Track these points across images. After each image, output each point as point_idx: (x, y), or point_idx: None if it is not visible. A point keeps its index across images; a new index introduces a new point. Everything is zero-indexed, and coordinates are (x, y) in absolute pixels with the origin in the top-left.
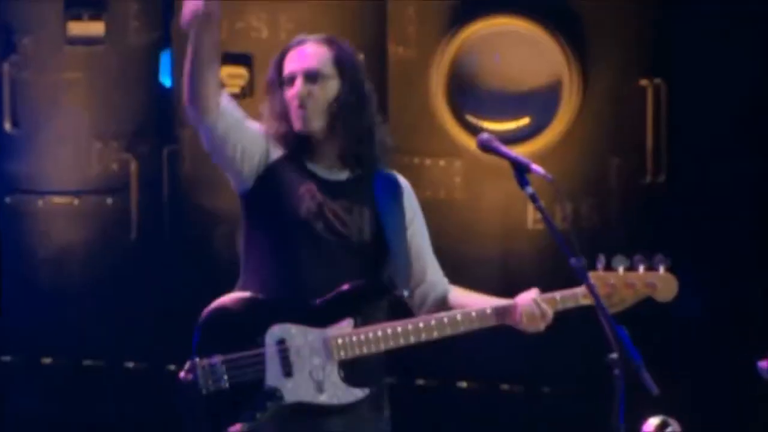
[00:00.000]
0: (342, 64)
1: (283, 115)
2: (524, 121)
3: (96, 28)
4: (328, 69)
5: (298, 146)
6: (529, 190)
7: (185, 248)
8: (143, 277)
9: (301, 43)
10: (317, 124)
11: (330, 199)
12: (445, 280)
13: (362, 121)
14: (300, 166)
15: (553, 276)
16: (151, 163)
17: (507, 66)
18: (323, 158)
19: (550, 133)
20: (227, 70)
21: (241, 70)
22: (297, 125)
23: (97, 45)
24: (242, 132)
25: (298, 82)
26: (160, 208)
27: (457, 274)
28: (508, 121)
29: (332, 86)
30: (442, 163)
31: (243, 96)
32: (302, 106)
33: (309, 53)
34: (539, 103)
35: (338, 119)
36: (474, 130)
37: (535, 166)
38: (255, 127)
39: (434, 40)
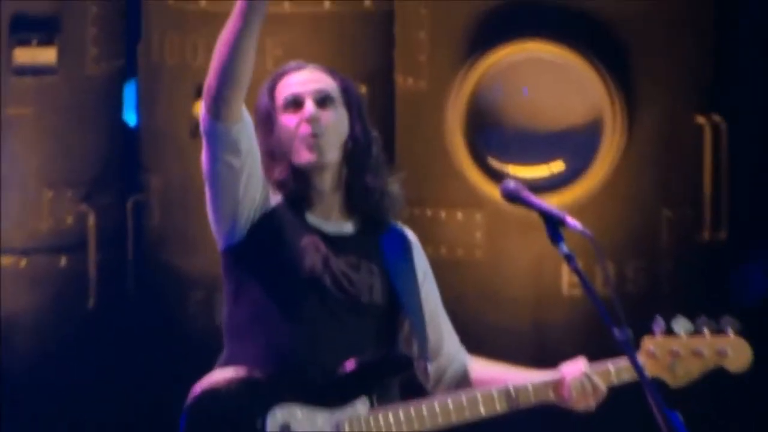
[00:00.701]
0: (350, 97)
1: (281, 152)
2: (558, 166)
3: (47, 56)
4: (338, 97)
5: (297, 191)
6: (564, 248)
7: (153, 318)
8: (103, 352)
9: (300, 67)
10: (332, 156)
11: (334, 254)
12: (463, 351)
13: (375, 169)
14: (299, 215)
15: (592, 350)
16: (112, 215)
17: (537, 101)
18: (324, 208)
19: (589, 180)
20: None
21: None
22: (306, 157)
23: (49, 75)
24: (255, 162)
25: (309, 105)
26: (124, 270)
27: (480, 348)
28: (539, 165)
29: (343, 117)
30: (459, 215)
31: None
32: (315, 134)
33: (314, 77)
34: (576, 145)
35: (351, 159)
36: (498, 177)
37: (570, 220)
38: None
39: (450, 70)
